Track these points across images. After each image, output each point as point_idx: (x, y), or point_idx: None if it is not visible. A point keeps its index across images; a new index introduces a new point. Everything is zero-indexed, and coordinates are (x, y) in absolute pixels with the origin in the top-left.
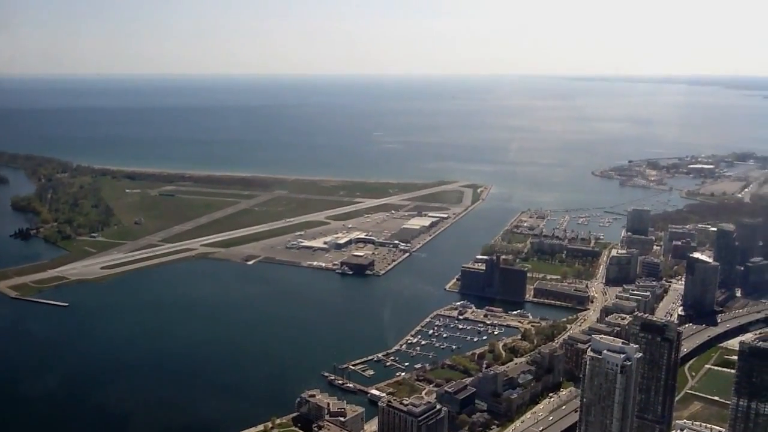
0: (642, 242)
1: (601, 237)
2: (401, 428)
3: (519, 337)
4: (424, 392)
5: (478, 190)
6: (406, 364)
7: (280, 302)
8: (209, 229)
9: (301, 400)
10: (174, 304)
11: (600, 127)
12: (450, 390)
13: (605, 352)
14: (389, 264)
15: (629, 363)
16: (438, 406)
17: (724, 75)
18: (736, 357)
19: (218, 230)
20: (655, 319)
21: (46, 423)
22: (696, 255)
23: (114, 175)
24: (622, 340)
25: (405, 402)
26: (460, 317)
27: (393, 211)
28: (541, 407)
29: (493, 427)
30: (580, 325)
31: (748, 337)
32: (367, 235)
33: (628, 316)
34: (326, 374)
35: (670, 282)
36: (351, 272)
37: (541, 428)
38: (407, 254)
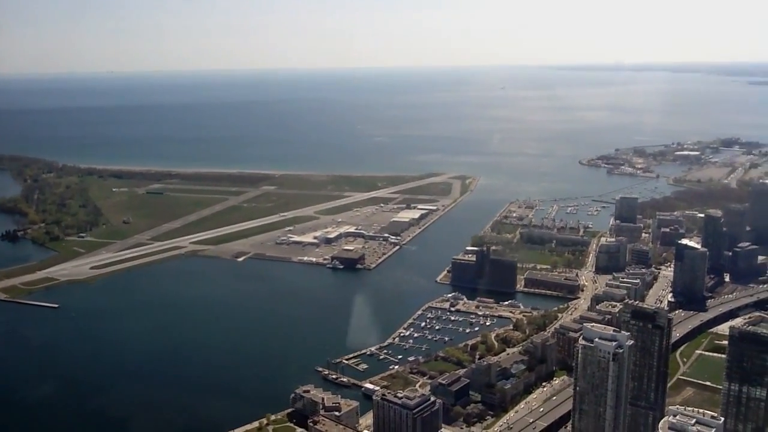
0: (630, 230)
1: (590, 226)
2: (396, 421)
3: (511, 327)
4: (418, 385)
5: (467, 182)
6: (400, 357)
7: (272, 298)
8: (198, 227)
9: (296, 395)
10: (165, 303)
11: (584, 116)
12: (444, 382)
13: (597, 340)
14: (380, 257)
15: (621, 351)
16: (432, 399)
17: (705, 62)
18: (726, 342)
19: (207, 227)
20: (645, 306)
21: (40, 426)
22: (684, 241)
23: (101, 174)
24: (613, 328)
25: (399, 395)
26: (452, 309)
27: (382, 205)
28: (535, 397)
29: (488, 417)
30: (571, 314)
31: (737, 321)
32: (356, 229)
33: (618, 304)
34: (320, 369)
35: (660, 269)
36: (342, 266)
37: (535, 418)
38: (397, 247)
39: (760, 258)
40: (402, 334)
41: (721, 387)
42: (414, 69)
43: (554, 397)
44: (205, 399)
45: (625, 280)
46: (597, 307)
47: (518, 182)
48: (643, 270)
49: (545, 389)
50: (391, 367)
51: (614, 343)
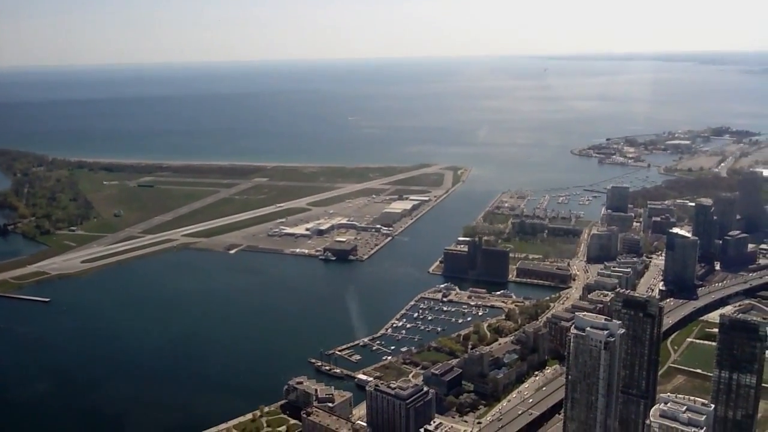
0: (622, 219)
1: (582, 215)
2: (389, 411)
3: (503, 317)
4: (411, 375)
5: (459, 172)
6: (392, 347)
7: (264, 291)
8: (190, 219)
9: (289, 387)
10: (157, 296)
11: (576, 105)
12: (437, 372)
13: (588, 329)
14: (372, 248)
15: (612, 339)
16: (425, 389)
17: (696, 51)
18: (717, 330)
19: (199, 220)
20: (636, 295)
21: (32, 421)
22: (675, 230)
23: (91, 167)
24: (604, 317)
25: (392, 385)
26: (445, 299)
27: (374, 196)
28: (527, 386)
29: (481, 407)
30: (563, 304)
31: (728, 309)
32: (348, 221)
33: (610, 293)
34: (313, 361)
35: (651, 258)
36: (334, 258)
37: (527, 407)
38: (390, 238)
39: (750, 246)
40: (395, 325)
41: (711, 374)
42: (403, 60)
43: (546, 386)
44: (198, 392)
45: (616, 269)
46: (589, 296)
47: (510, 173)
48: (635, 259)
49: (537, 378)
50: (384, 357)
51: (606, 332)
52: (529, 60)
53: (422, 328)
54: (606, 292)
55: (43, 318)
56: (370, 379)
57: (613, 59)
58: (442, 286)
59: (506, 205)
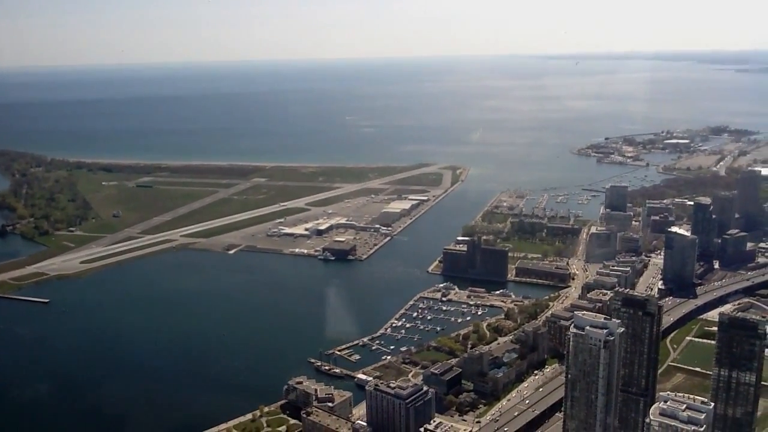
0: (621, 218)
1: (580, 214)
2: (389, 411)
3: (502, 316)
4: (410, 375)
5: (457, 172)
6: (392, 347)
7: (264, 291)
8: (189, 220)
9: (289, 387)
10: (156, 297)
11: (574, 105)
12: (436, 371)
13: (588, 328)
14: (371, 248)
15: (612, 338)
16: (425, 388)
17: (694, 50)
18: (716, 328)
19: (198, 220)
20: (636, 293)
21: (32, 421)
22: (674, 229)
23: (90, 167)
24: (604, 316)
25: (392, 385)
26: (444, 299)
27: (373, 195)
28: (527, 385)
29: (480, 406)
30: (562, 303)
31: (727, 308)
32: (347, 220)
33: (609, 292)
34: (313, 360)
35: (650, 257)
36: (333, 258)
37: (527, 406)
38: (389, 238)
39: (749, 245)
40: (394, 325)
41: (710, 373)
42: (400, 59)
43: (546, 385)
44: (198, 391)
45: (615, 268)
46: (588, 295)
47: (509, 172)
48: (634, 258)
49: (537, 377)
50: (383, 357)
51: (605, 331)
52: (528, 59)
53: (422, 327)
54: (605, 291)
55: (42, 319)
56: (370, 378)
57: (612, 58)
58: (442, 285)
59: (505, 204)
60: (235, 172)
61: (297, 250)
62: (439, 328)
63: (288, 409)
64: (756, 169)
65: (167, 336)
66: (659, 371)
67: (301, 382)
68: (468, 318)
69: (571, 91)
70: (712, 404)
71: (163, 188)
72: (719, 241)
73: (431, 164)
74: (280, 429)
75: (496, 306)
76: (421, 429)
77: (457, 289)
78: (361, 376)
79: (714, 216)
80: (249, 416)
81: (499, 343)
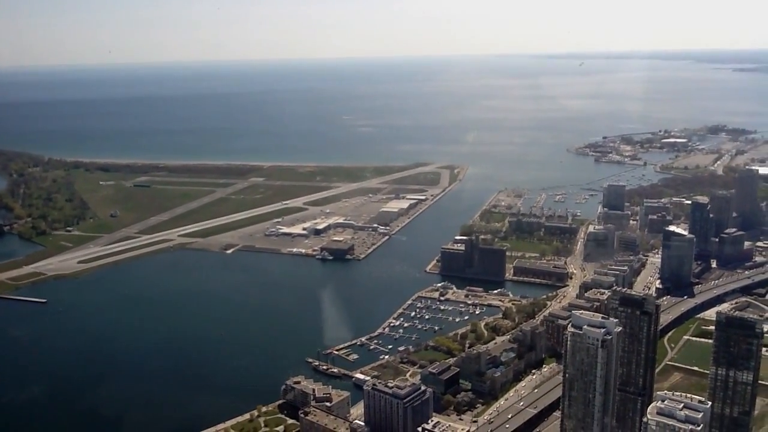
0: (618, 217)
1: (578, 214)
2: (387, 411)
3: (500, 315)
4: (408, 374)
5: (455, 171)
6: (390, 347)
7: (261, 290)
8: (186, 219)
9: (287, 387)
10: (154, 297)
11: (572, 104)
12: (434, 371)
13: (586, 327)
14: (369, 248)
15: (609, 337)
16: (423, 388)
17: (692, 49)
18: (713, 327)
19: (196, 220)
20: (633, 293)
21: (29, 421)
22: (672, 228)
23: (87, 167)
24: (601, 315)
25: (390, 385)
26: (442, 298)
27: (371, 195)
28: (524, 384)
29: (478, 405)
30: (560, 302)
31: (724, 307)
32: (345, 220)
33: (606, 291)
34: (310, 360)
35: (647, 256)
36: (331, 257)
37: (525, 405)
38: (387, 237)
39: (747, 244)
40: (392, 324)
41: (708, 372)
42: (397, 58)
43: (544, 385)
44: (195, 392)
45: (613, 267)
46: (585, 294)
47: (507, 171)
48: (631, 257)
49: (535, 377)
50: (381, 357)
51: (603, 330)
52: (526, 59)
53: (419, 327)
54: (603, 291)
55: (39, 319)
56: (368, 378)
57: (610, 57)
58: (439, 285)
59: (503, 203)
60: (233, 172)
61: (295, 249)
62: (436, 328)
63: (286, 408)
64: (753, 168)
65: (165, 336)
66: (657, 370)
67: (298, 382)
68: (466, 317)
69: (568, 90)
70: (710, 403)
71: (161, 188)
72: (717, 240)
73: (429, 163)
74: (277, 429)
75: (493, 305)
76: (419, 428)
77: (454, 288)
78: (358, 375)
79: (711, 215)
80: (247, 416)
81: (496, 343)
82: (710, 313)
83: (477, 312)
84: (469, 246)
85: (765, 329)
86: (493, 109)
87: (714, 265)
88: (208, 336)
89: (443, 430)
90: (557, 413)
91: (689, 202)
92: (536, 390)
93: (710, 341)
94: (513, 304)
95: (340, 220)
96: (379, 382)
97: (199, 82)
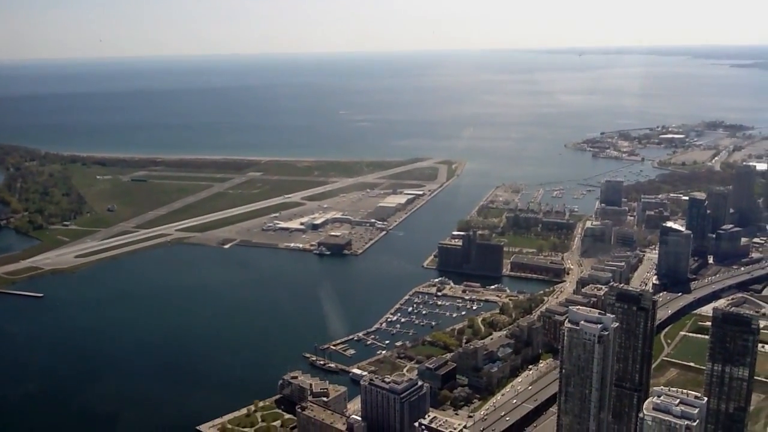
0: (616, 213)
1: (576, 209)
2: (384, 406)
3: (497, 311)
4: (405, 369)
5: (453, 166)
6: (387, 342)
7: (259, 285)
8: (184, 214)
9: (284, 382)
10: (151, 292)
11: (570, 100)
12: (431, 366)
13: (582, 323)
14: (366, 243)
15: (606, 333)
16: (420, 383)
17: (690, 45)
18: (709, 323)
19: (193, 214)
20: (630, 288)
21: (24, 417)
22: (669, 224)
23: (84, 161)
24: (598, 311)
25: (387, 380)
26: (439, 294)
27: (368, 190)
28: (521, 380)
29: (475, 401)
30: (557, 298)
31: (721, 303)
32: (343, 215)
33: (603, 287)
34: (307, 355)
35: (644, 252)
36: (328, 252)
37: (521, 400)
38: (384, 232)
39: (743, 240)
40: (389, 319)
41: (704, 368)
42: (394, 53)
43: (540, 380)
44: (192, 387)
45: (610, 263)
46: (582, 290)
47: (504, 166)
48: (628, 253)
49: (531, 372)
50: (378, 352)
51: (599, 326)
52: (523, 54)
53: (416, 322)
54: (600, 286)
55: (36, 313)
56: (365, 373)
57: (607, 53)
58: (437, 280)
59: (500, 199)
60: (230, 167)
61: (292, 244)
62: (433, 323)
63: (283, 403)
64: (751, 164)
65: (161, 331)
66: (653, 366)
67: (296, 377)
68: (463, 313)
69: (566, 85)
70: (706, 399)
71: (158, 182)
72: (714, 236)
73: (426, 159)
74: (274, 424)
75: (490, 301)
76: (416, 424)
77: (452, 283)
78: (355, 370)
79: (708, 211)
80: (244, 411)
81: (493, 338)
82: (707, 309)
83: (474, 307)
84: (466, 241)
85: (761, 325)
86: (491, 104)
87: (711, 261)
88: (205, 331)
89: (440, 425)
90: (554, 409)
91: (686, 198)
92: (533, 385)
93: (706, 337)
94: (510, 299)
95: (338, 215)
96: (376, 378)
97: (196, 76)
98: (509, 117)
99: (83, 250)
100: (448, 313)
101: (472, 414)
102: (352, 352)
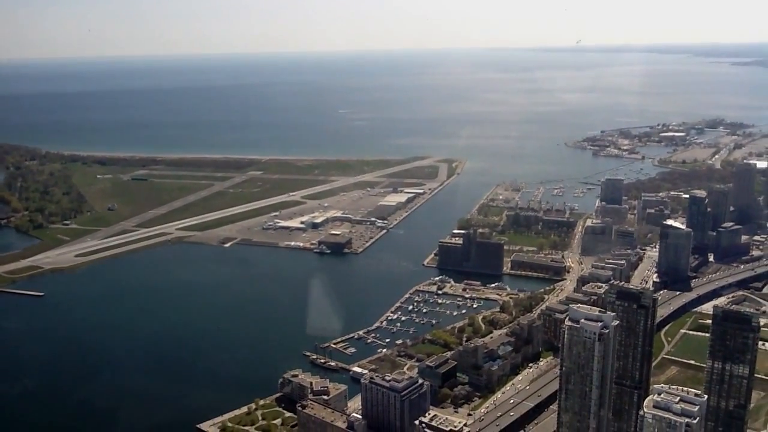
0: (616, 211)
1: (576, 207)
2: (384, 404)
3: (498, 309)
4: (405, 368)
5: (453, 165)
6: (387, 340)
7: (259, 284)
8: (184, 213)
9: (284, 380)
10: (151, 290)
11: (570, 98)
12: (431, 364)
13: (583, 321)
14: (367, 241)
15: (606, 331)
16: (420, 381)
17: (690, 43)
18: (710, 321)
19: (193, 213)
20: (630, 286)
21: (25, 414)
22: (669, 222)
23: (84, 161)
24: (599, 309)
25: (387, 378)
26: (439, 292)
27: (369, 189)
28: (521, 378)
29: (475, 399)
30: (557, 296)
31: (721, 301)
32: (343, 214)
33: (604, 285)
34: (308, 354)
35: (645, 250)
36: (329, 251)
37: (522, 398)
38: (384, 231)
39: (744, 238)
40: (389, 318)
41: (704, 365)
42: (392, 51)
43: (540, 378)
44: (193, 385)
45: (610, 261)
46: (583, 288)
47: (504, 165)
48: (629, 251)
49: (532, 370)
50: (378, 350)
51: (600, 324)
52: (521, 52)
53: (417, 320)
54: (600, 284)
55: (36, 312)
56: (365, 371)
57: (607, 51)
58: (437, 278)
59: (501, 197)
60: (231, 165)
61: (293, 243)
62: (434, 321)
63: (283, 402)
64: (751, 162)
65: (162, 329)
66: (653, 364)
67: (296, 375)
68: (463, 311)
69: (566, 84)
70: (706, 397)
71: (158, 181)
72: (714, 234)
73: (427, 157)
74: (275, 422)
75: (491, 299)
76: (416, 422)
77: (452, 282)
78: (356, 369)
79: (709, 209)
80: (244, 409)
81: (493, 336)
82: (707, 307)
83: (474, 306)
84: (466, 240)
85: (761, 323)
86: (491, 103)
87: (711, 259)
88: (206, 329)
89: (440, 423)
90: (554, 406)
91: (687, 196)
92: (533, 383)
93: (707, 335)
94: (510, 297)
95: (338, 214)
96: (377, 376)
97: (195, 74)
98: (509, 115)
99: (83, 249)
100: (448, 312)
101: (472, 412)
102: (352, 350)
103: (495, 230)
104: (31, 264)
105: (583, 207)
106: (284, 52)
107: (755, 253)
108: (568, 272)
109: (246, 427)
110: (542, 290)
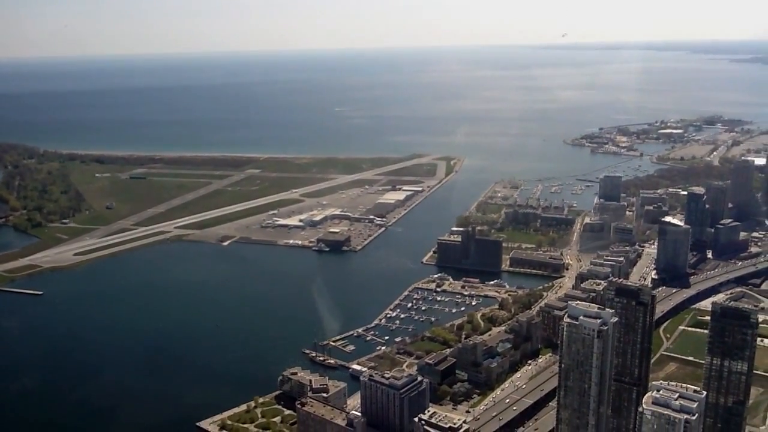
0: (614, 208)
1: (574, 205)
2: (384, 401)
3: (496, 306)
4: (405, 365)
5: (452, 163)
6: (386, 338)
7: (258, 282)
8: (183, 211)
9: (283, 378)
10: (150, 289)
11: (566, 95)
12: (430, 362)
13: (582, 317)
14: (365, 239)
15: (605, 328)
16: (419, 378)
17: (689, 40)
18: (708, 318)
19: (192, 212)
20: (629, 283)
21: (24, 412)
22: (667, 219)
23: (82, 159)
24: (597, 306)
25: (386, 375)
26: (438, 289)
27: (367, 186)
28: (521, 375)
29: (474, 396)
30: (556, 293)
31: (719, 297)
32: (342, 211)
33: (603, 282)
34: (307, 351)
35: (643, 246)
36: (327, 249)
37: (521, 395)
38: (383, 229)
39: (742, 234)
40: (389, 315)
41: (703, 362)
42: (389, 49)
43: (539, 375)
44: (192, 383)
45: (609, 258)
46: (581, 285)
47: (503, 162)
48: (627, 248)
49: (531, 367)
50: (378, 348)
51: (598, 321)
52: (519, 50)
53: (416, 318)
54: (599, 281)
55: (35, 310)
56: (365, 369)
57: (604, 48)
58: (436, 276)
59: (499, 194)
60: (229, 164)
61: (291, 241)
62: (433, 319)
63: (282, 399)
64: (749, 158)
65: (161, 327)
66: (652, 360)
67: (295, 373)
68: (462, 308)
69: (563, 81)
70: (705, 393)
71: (157, 180)
72: (712, 230)
73: (425, 155)
74: (274, 420)
75: (490, 296)
76: (416, 419)
77: (451, 279)
78: (355, 366)
79: (707, 206)
80: (244, 407)
81: (492, 334)
82: (706, 304)
83: (473, 303)
84: (465, 237)
85: (760, 319)
86: (489, 100)
87: (709, 255)
88: (205, 327)
89: (439, 420)
90: (553, 403)
91: (685, 192)
92: (532, 380)
93: (705, 331)
94: (509, 294)
95: (337, 212)
96: (376, 373)
97: (193, 72)
98: (507, 113)
99: (82, 248)
100: (447, 309)
101: (471, 409)
102: (351, 348)
103: (494, 228)
104: (29, 263)
105: (582, 204)
106: (282, 50)
107: (753, 249)
108: (567, 269)
109: (245, 425)
110: (541, 287)
